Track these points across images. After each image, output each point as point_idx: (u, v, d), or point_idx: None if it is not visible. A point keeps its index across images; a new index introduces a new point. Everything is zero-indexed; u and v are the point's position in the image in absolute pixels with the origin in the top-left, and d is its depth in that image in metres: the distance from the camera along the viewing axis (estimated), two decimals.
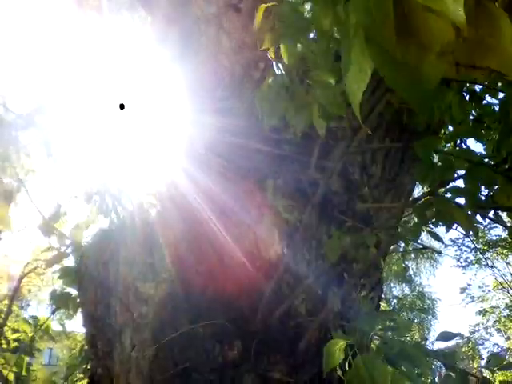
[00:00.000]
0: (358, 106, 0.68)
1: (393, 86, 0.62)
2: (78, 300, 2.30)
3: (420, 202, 1.80)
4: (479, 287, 15.79)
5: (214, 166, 2.18)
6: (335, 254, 1.91)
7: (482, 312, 15.80)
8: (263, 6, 1.26)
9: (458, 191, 1.69)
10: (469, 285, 16.00)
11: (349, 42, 0.67)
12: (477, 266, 14.95)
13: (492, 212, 1.91)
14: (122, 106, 2.63)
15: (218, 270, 2.18)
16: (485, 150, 1.88)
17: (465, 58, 0.69)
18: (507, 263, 14.27)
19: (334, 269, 2.15)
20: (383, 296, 2.69)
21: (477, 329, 16.14)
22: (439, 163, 1.72)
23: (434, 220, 1.73)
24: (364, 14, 0.60)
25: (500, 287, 15.10)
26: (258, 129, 2.14)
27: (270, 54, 1.27)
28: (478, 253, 14.04)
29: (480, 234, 12.21)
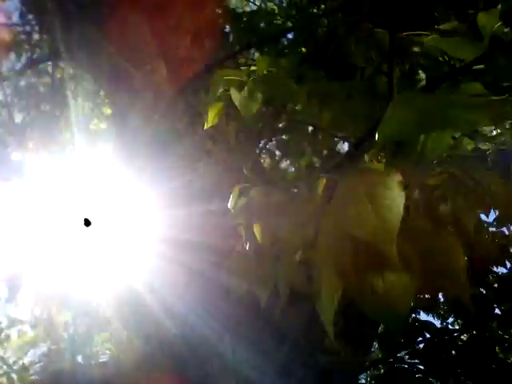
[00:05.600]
0: (331, 326, 0.75)
1: (366, 313, 0.70)
2: None
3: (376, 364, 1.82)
4: None
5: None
6: None
7: None
8: (237, 186, 1.34)
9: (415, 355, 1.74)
10: None
11: (319, 272, 0.76)
12: None
13: None
14: (87, 223, 2.58)
15: None
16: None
17: (426, 288, 0.78)
18: None
19: None
20: None
21: None
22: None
23: None
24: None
25: None
26: None
27: (241, 232, 1.32)
28: None
29: None
